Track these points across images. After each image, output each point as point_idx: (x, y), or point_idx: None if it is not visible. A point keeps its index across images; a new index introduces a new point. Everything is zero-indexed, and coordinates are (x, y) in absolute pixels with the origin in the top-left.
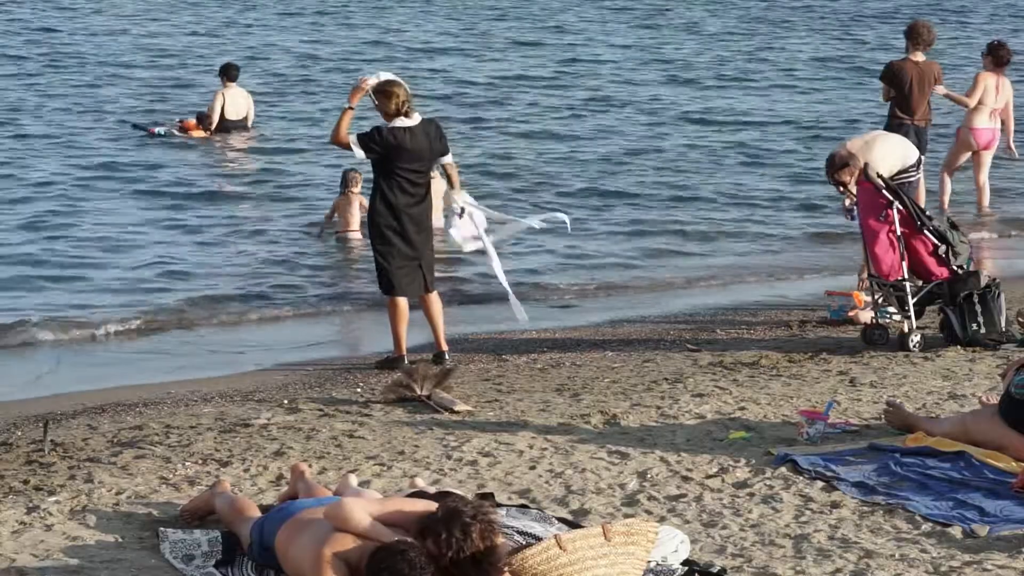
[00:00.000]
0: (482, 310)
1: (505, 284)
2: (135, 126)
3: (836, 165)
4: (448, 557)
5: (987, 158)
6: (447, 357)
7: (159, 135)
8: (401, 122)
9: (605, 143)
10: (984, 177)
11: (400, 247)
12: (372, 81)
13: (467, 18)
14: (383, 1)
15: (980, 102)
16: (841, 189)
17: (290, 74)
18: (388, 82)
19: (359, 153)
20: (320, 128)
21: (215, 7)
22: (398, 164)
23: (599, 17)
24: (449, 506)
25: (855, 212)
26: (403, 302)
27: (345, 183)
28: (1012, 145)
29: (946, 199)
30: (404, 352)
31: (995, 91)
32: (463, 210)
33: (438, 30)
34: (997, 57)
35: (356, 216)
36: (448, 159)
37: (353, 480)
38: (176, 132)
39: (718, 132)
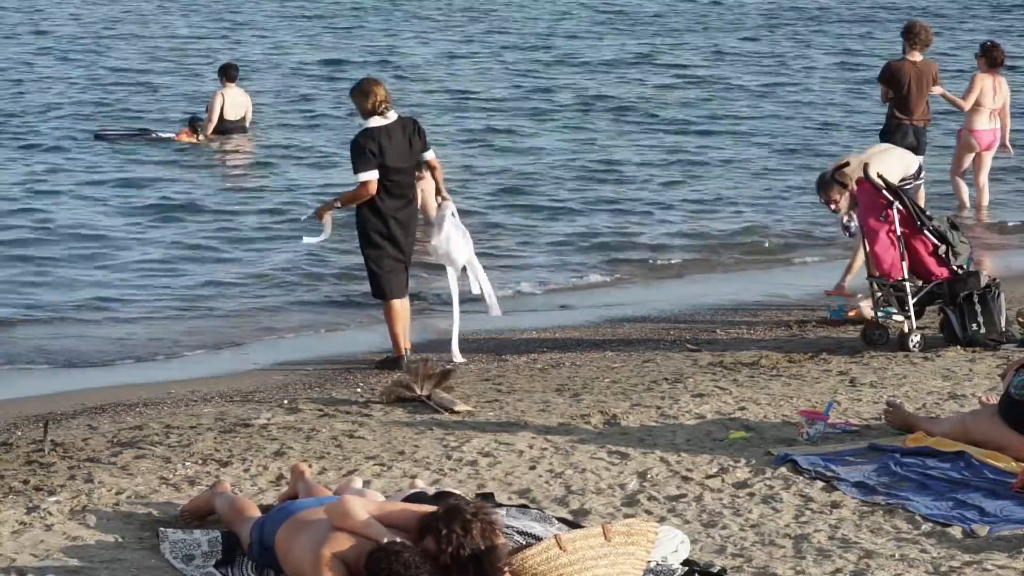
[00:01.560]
0: (482, 310)
1: (486, 288)
2: (98, 137)
3: (826, 184)
4: (448, 553)
5: (988, 159)
6: (407, 353)
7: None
8: (376, 121)
9: (615, 142)
10: (984, 178)
11: (389, 251)
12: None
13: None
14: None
15: (979, 104)
16: (833, 207)
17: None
18: (367, 80)
19: (373, 175)
20: (317, 133)
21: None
22: (381, 165)
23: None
24: (450, 504)
25: (852, 229)
26: (397, 303)
27: None
28: (1008, 143)
29: (965, 198)
30: (403, 352)
31: (992, 92)
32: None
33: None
34: (991, 58)
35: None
36: (430, 155)
37: (357, 482)
38: (114, 136)
39: (730, 137)
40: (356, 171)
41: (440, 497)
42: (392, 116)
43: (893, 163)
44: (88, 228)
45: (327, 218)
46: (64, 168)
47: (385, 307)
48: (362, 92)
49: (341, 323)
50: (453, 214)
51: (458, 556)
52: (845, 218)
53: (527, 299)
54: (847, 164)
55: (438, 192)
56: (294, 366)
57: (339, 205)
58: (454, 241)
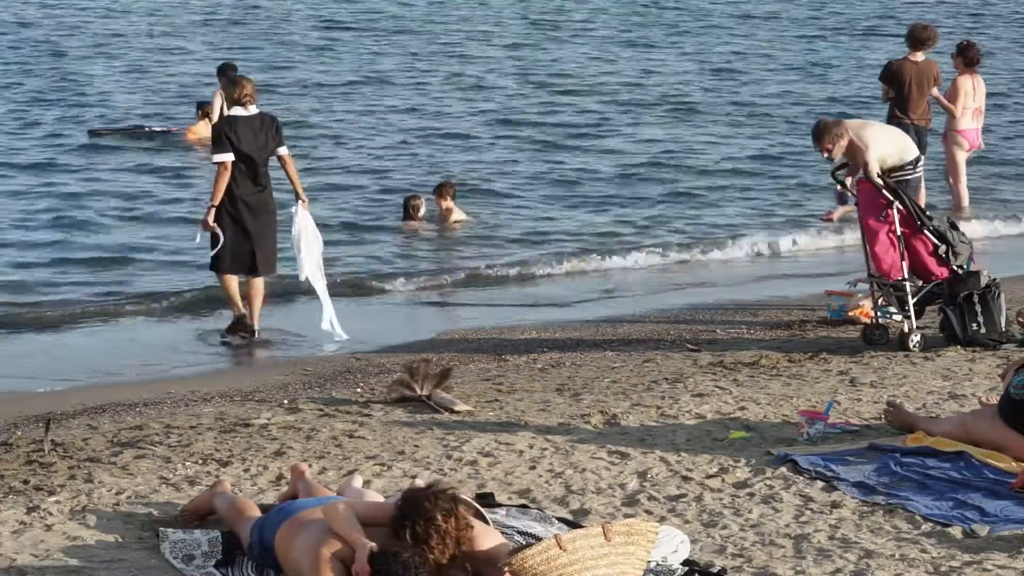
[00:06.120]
0: (482, 310)
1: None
2: (93, 134)
3: (822, 132)
4: (430, 545)
5: (967, 158)
6: (257, 335)
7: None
8: (237, 111)
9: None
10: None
11: (233, 230)
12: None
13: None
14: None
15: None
16: (826, 155)
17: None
18: (239, 76)
19: (228, 157)
20: (321, 131)
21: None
22: (236, 150)
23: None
24: (405, 496)
25: (846, 198)
26: (230, 278)
27: (407, 211)
28: (980, 140)
29: (964, 199)
30: (243, 311)
31: (973, 91)
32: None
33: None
34: (968, 58)
35: None
36: (283, 150)
37: (357, 480)
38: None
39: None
40: (213, 153)
41: None
42: (253, 110)
43: (890, 137)
44: (95, 224)
45: (211, 223)
46: (81, 164)
47: (220, 279)
48: (232, 83)
49: (341, 321)
50: (301, 216)
51: (442, 542)
52: (839, 187)
53: (527, 299)
54: (846, 165)
55: (289, 178)
56: (294, 366)
57: (214, 205)
58: (303, 243)
